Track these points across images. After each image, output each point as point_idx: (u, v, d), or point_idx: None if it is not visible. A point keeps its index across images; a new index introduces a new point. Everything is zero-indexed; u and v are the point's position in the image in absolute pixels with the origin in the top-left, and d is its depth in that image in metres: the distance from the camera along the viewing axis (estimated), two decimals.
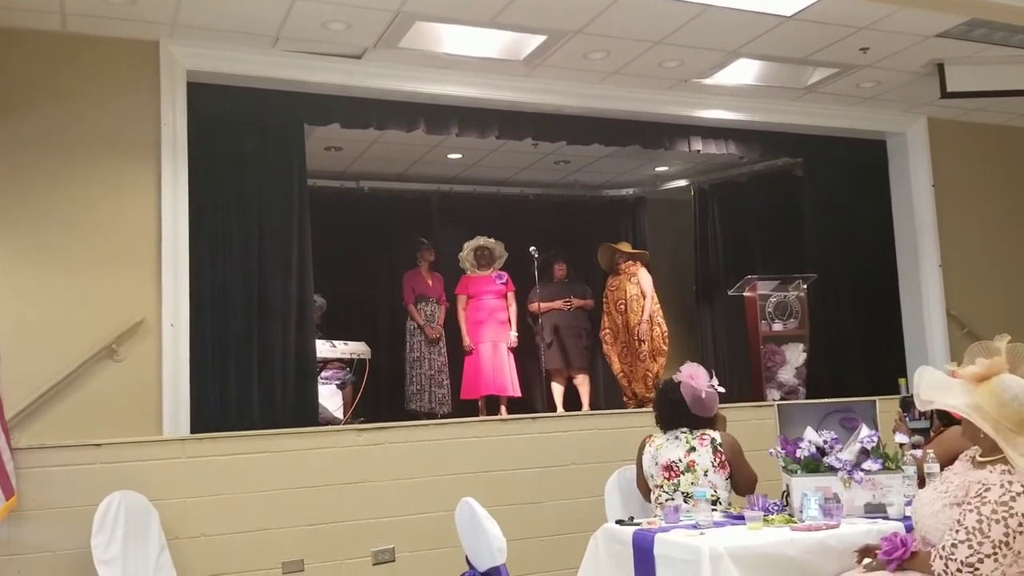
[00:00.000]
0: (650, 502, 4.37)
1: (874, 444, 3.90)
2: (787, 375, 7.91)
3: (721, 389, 4.48)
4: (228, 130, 6.27)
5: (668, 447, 4.32)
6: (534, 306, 8.34)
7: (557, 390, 8.46)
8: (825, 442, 3.94)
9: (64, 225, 5.55)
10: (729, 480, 4.25)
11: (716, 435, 4.32)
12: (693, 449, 4.26)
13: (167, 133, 5.80)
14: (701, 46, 6.39)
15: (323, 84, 6.35)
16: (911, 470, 3.87)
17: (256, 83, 6.21)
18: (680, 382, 4.43)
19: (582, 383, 8.49)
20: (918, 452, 4.11)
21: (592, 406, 8.43)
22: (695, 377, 4.43)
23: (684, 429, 4.37)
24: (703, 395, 4.38)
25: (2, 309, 5.20)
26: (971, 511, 2.96)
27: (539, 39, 6.19)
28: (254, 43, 6.01)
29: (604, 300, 8.63)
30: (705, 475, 4.20)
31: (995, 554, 2.88)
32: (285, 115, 6.44)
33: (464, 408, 8.26)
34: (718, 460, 4.23)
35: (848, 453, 3.89)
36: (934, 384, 3.30)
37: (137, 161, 5.74)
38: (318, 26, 5.82)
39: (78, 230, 5.57)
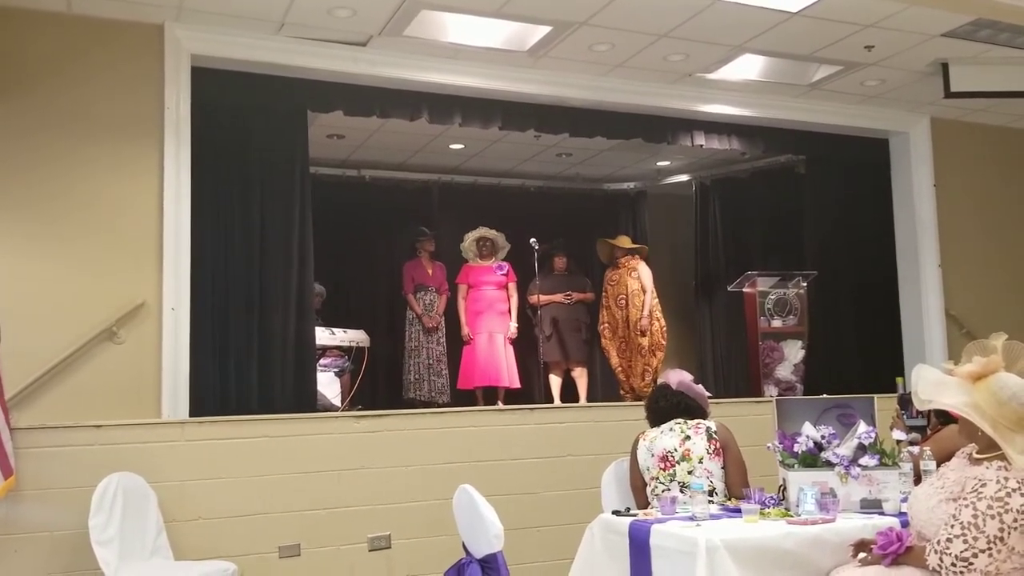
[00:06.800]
0: (644, 507, 4.35)
1: (871, 440, 3.90)
2: (785, 372, 7.92)
3: (708, 393, 4.62)
4: (231, 115, 6.27)
5: (663, 438, 4.34)
6: (534, 298, 8.34)
7: (555, 382, 8.48)
8: (823, 437, 3.94)
9: (66, 207, 5.55)
10: (724, 470, 4.26)
11: (710, 423, 4.37)
12: (688, 438, 4.28)
13: (170, 117, 5.79)
14: (706, 40, 6.39)
15: (327, 71, 6.35)
16: (907, 466, 3.89)
17: (260, 68, 6.20)
18: (667, 382, 4.60)
19: (580, 376, 8.51)
20: (915, 449, 4.12)
21: (589, 399, 8.45)
22: (680, 373, 4.64)
23: (679, 420, 4.40)
24: (690, 380, 4.57)
25: (3, 289, 5.20)
26: (967, 506, 2.98)
27: (544, 30, 6.20)
28: (259, 28, 6.01)
29: (603, 294, 8.64)
30: (700, 462, 4.21)
31: (990, 549, 2.90)
32: (288, 101, 6.43)
33: (462, 398, 8.27)
34: (713, 447, 4.25)
35: (845, 449, 3.89)
36: (931, 383, 3.31)
37: (140, 144, 5.74)
38: (323, 12, 5.82)
39: (80, 212, 5.58)
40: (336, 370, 7.69)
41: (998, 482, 2.98)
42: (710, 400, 4.62)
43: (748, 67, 7.01)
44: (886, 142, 8.31)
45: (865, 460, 3.83)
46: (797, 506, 3.74)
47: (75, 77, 5.63)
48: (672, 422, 4.40)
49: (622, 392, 8.41)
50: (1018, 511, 2.92)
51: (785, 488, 3.93)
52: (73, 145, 5.59)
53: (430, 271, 8.46)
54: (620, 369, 8.42)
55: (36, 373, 5.28)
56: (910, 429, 4.67)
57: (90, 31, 5.69)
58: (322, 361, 7.44)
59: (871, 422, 4.17)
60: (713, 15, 5.94)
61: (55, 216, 5.53)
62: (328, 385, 7.48)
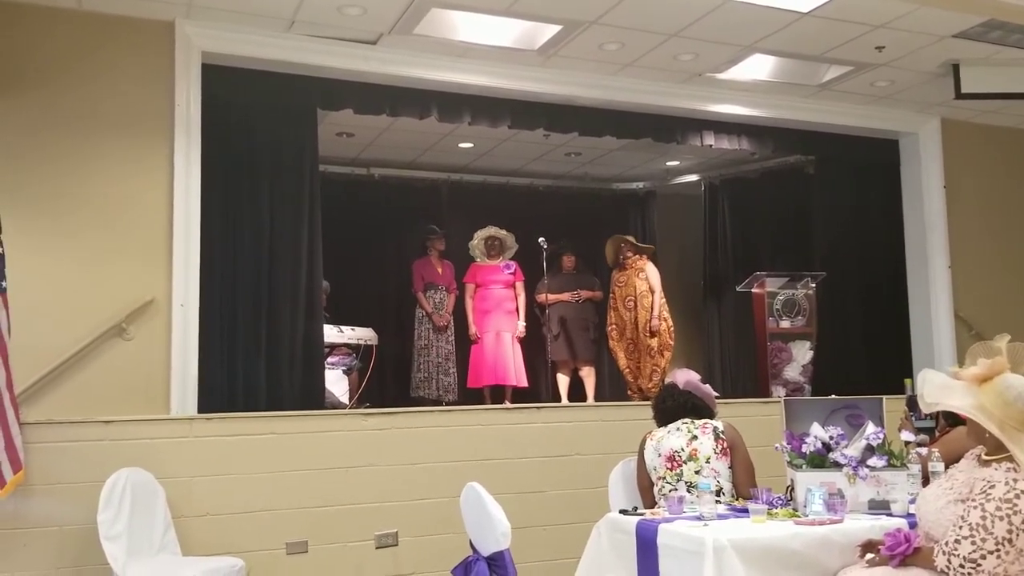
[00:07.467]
0: (651, 507, 4.35)
1: (880, 441, 3.90)
2: (793, 372, 7.90)
3: (715, 393, 4.61)
4: (241, 112, 6.28)
5: (670, 438, 4.34)
6: (542, 297, 8.35)
7: (562, 381, 8.48)
8: (831, 438, 3.94)
9: (76, 204, 5.57)
10: (731, 470, 4.26)
11: (718, 423, 4.37)
12: (695, 437, 4.28)
13: (181, 114, 5.81)
14: (716, 40, 6.39)
15: (337, 69, 6.35)
16: (916, 467, 3.88)
17: (270, 66, 6.21)
18: (674, 382, 4.58)
19: (588, 375, 8.51)
20: (923, 451, 4.12)
21: (597, 398, 8.45)
22: (687, 373, 4.64)
23: (686, 420, 4.39)
24: (697, 379, 4.56)
25: (14, 285, 5.20)
26: (975, 508, 2.98)
27: (554, 29, 6.20)
28: (269, 26, 6.02)
29: (611, 296, 8.62)
30: (707, 462, 4.21)
31: (998, 550, 2.90)
32: (298, 99, 6.44)
33: (470, 396, 8.28)
34: (720, 447, 4.25)
35: (853, 449, 3.89)
36: (937, 386, 3.33)
37: (151, 142, 5.75)
38: (334, 10, 5.83)
39: (90, 209, 5.59)
40: (344, 368, 7.70)
41: (1007, 484, 2.98)
42: (717, 400, 4.61)
43: (758, 67, 7.00)
44: (896, 143, 8.29)
45: (873, 461, 3.83)
46: (805, 506, 3.74)
47: (85, 74, 5.64)
48: (679, 422, 4.41)
49: (630, 393, 8.39)
50: None
51: (793, 488, 3.93)
52: (83, 142, 5.60)
53: (440, 270, 8.47)
54: (628, 370, 8.41)
55: (46, 369, 5.30)
56: (918, 430, 4.67)
57: (101, 28, 5.70)
58: (330, 359, 7.45)
59: (879, 423, 4.16)
60: (723, 15, 5.93)
61: (65, 212, 5.54)
62: (336, 383, 7.49)
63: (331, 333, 7.35)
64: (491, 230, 8.60)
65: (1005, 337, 3.25)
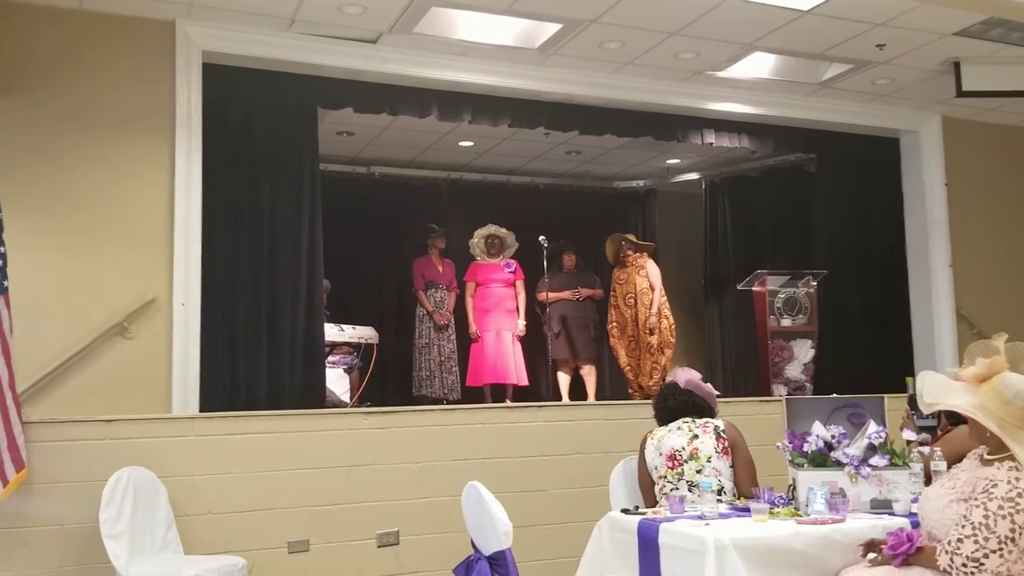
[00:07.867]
0: (652, 506, 4.35)
1: (881, 440, 3.89)
2: (794, 371, 7.90)
3: (716, 392, 4.61)
4: (242, 112, 6.27)
5: (671, 437, 4.34)
6: (542, 296, 8.35)
7: (563, 380, 8.48)
8: (833, 437, 3.94)
9: (78, 203, 5.57)
10: (733, 469, 4.25)
11: (719, 422, 4.36)
12: (696, 436, 4.28)
13: (181, 113, 5.81)
14: (717, 38, 6.38)
15: (337, 68, 6.35)
16: (918, 467, 3.88)
17: (271, 65, 6.21)
18: (675, 380, 4.58)
19: (589, 374, 8.51)
20: (925, 450, 4.11)
21: (598, 397, 8.44)
22: (688, 372, 4.63)
23: (687, 419, 4.39)
24: (698, 378, 4.56)
25: (16, 285, 5.21)
26: (978, 507, 2.98)
27: (554, 27, 6.19)
28: (270, 25, 6.01)
29: (612, 293, 8.63)
30: (708, 461, 4.21)
31: (1000, 549, 2.90)
32: (299, 98, 6.44)
33: (471, 395, 8.29)
34: (721, 446, 4.25)
35: (855, 448, 3.88)
36: (937, 386, 3.33)
37: (151, 141, 5.75)
38: (334, 9, 5.82)
39: (92, 209, 5.59)
40: (345, 366, 7.71)
41: (1009, 483, 2.98)
42: (719, 399, 4.61)
43: (759, 65, 7.00)
44: (897, 141, 8.29)
45: (875, 460, 3.82)
46: (807, 506, 3.73)
47: (87, 73, 5.64)
48: (680, 421, 4.40)
49: (631, 391, 8.40)
50: None
51: (795, 488, 3.92)
52: (84, 141, 5.60)
53: (440, 268, 8.48)
54: (629, 368, 8.42)
55: (48, 368, 5.31)
56: (920, 429, 4.66)
57: (101, 27, 5.70)
58: (331, 358, 7.45)
59: (881, 422, 4.16)
60: (724, 13, 5.93)
61: (66, 211, 5.54)
62: (337, 381, 7.49)
63: (332, 332, 7.36)
64: (491, 228, 8.61)
65: (1003, 336, 3.25)
